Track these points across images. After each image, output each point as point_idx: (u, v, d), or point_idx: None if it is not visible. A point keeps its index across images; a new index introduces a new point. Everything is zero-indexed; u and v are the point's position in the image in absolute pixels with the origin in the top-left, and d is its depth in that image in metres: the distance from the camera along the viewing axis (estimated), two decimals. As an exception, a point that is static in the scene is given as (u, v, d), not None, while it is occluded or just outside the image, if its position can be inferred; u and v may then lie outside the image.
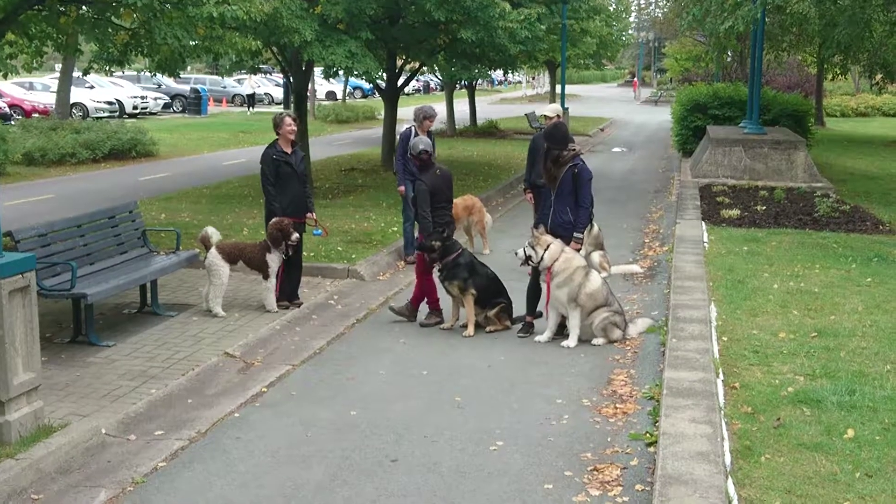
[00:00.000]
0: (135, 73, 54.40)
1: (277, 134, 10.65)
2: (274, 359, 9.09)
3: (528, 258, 9.50)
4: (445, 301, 10.30)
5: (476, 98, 41.83)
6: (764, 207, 16.69)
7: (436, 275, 10.15)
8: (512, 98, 72.98)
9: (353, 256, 12.92)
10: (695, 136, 26.96)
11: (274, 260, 10.45)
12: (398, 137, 13.85)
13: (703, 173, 21.34)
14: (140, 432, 7.18)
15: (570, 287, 9.40)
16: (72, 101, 41.84)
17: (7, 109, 37.88)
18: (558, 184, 9.69)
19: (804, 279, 11.17)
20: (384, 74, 22.95)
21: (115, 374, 8.52)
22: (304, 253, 12.79)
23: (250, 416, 7.59)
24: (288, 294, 10.91)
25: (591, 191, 9.82)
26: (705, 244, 13.22)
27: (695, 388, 7.11)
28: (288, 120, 10.59)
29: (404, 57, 21.00)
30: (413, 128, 13.69)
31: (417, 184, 10.22)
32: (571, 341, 9.43)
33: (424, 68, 23.16)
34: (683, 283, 10.46)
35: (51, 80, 46.23)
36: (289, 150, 10.70)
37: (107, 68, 14.69)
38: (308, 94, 49.81)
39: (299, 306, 10.78)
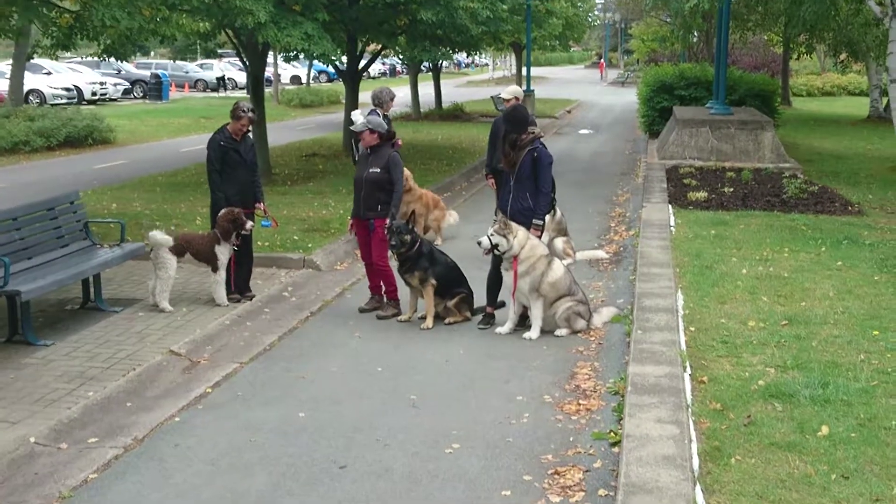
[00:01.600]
0: (94, 58, 53.67)
1: (231, 120, 10.16)
2: (221, 356, 8.65)
3: (494, 246, 9.02)
4: (402, 290, 9.88)
5: (442, 81, 41.37)
6: (731, 189, 16.38)
7: (394, 266, 9.72)
8: (479, 81, 72.56)
9: (310, 246, 12.47)
10: (661, 117, 26.64)
11: (223, 252, 10.00)
12: None
13: (669, 155, 21.02)
14: (72, 440, 6.72)
15: (532, 276, 9.00)
16: (28, 88, 41.19)
17: (-42, 97, 36.86)
18: (517, 168, 9.29)
19: (773, 263, 10.84)
20: (345, 57, 22.46)
21: (51, 376, 8.04)
22: (258, 242, 12.39)
23: (192, 419, 7.14)
24: (239, 287, 10.46)
25: (551, 175, 9.42)
26: (672, 228, 12.88)
27: (661, 384, 6.73)
28: (245, 120, 10.12)
29: (364, 39, 20.47)
30: (373, 110, 13.27)
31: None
32: (534, 333, 9.04)
33: (385, 51, 22.57)
34: (650, 270, 10.10)
35: (6, 66, 45.28)
36: (238, 138, 10.22)
37: (52, 53, 14.14)
38: (273, 78, 49.39)
39: (251, 299, 10.34)
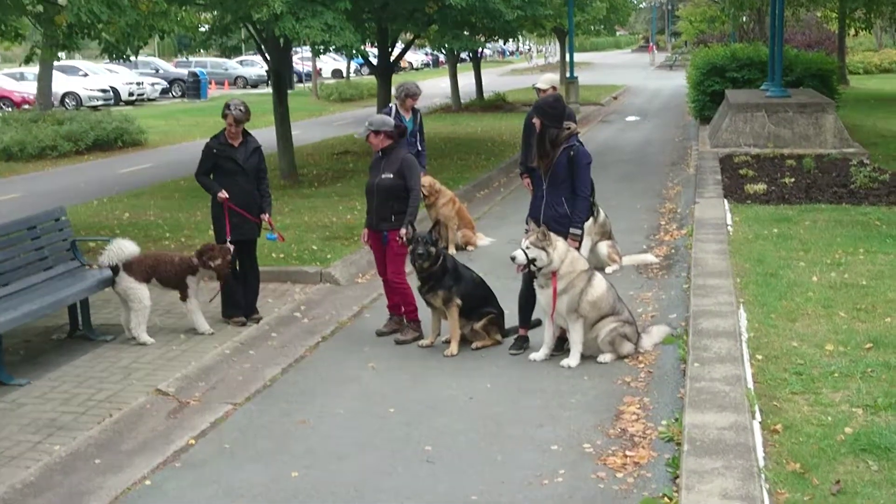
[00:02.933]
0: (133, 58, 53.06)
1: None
2: (214, 395, 7.56)
3: (531, 262, 7.78)
4: (424, 310, 8.72)
5: (485, 70, 40.19)
6: (793, 179, 14.97)
7: (414, 286, 8.56)
8: (522, 69, 70.98)
9: (329, 257, 11.35)
10: (713, 101, 25.10)
11: (194, 283, 8.93)
12: None
13: (723, 142, 19.60)
14: (21, 514, 5.66)
15: (570, 295, 7.79)
16: (64, 91, 40.72)
17: (-8, 101, 36.38)
18: (551, 169, 8.08)
19: (847, 268, 9.50)
20: (376, 48, 21.35)
21: (17, 425, 7.00)
22: (272, 254, 11.34)
23: (165, 483, 6.05)
24: (244, 308, 9.37)
25: (589, 177, 8.19)
26: (729, 227, 11.55)
27: (725, 440, 5.49)
28: (229, 119, 8.97)
29: (392, 28, 19.29)
30: (394, 107, 12.15)
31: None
32: (573, 360, 7.84)
33: (419, 41, 21.32)
34: (706, 282, 8.83)
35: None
36: (236, 143, 9.11)
37: (53, 53, 13.18)
38: (312, 72, 48.46)
39: (258, 322, 9.24)
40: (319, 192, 16.35)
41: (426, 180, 12.21)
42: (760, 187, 14.23)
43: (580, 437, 6.39)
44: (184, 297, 8.88)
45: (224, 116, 8.98)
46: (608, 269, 10.83)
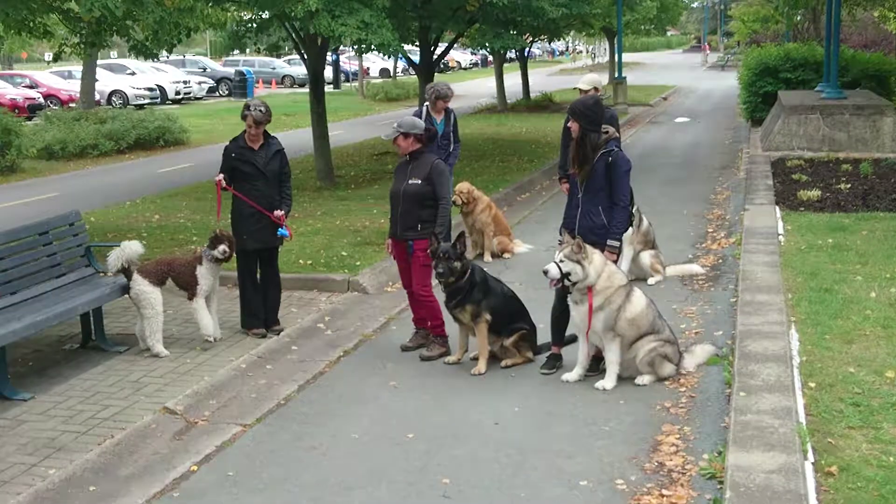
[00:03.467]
0: (180, 57, 53.17)
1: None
2: (225, 414, 7.11)
3: (565, 276, 7.20)
4: (451, 324, 8.19)
5: (534, 70, 39.63)
6: (849, 186, 14.25)
7: (441, 300, 8.04)
8: (572, 69, 70.13)
9: (358, 264, 10.88)
10: (765, 102, 24.29)
11: (205, 275, 8.45)
12: None
13: (775, 145, 18.87)
14: (2, 549, 5.23)
15: (606, 312, 7.23)
16: (112, 89, 40.77)
17: (41, 100, 36.43)
18: (588, 176, 7.52)
19: (909, 284, 8.84)
20: (418, 47, 20.87)
21: (14, 445, 6.60)
22: (300, 261, 10.92)
23: (160, 515, 5.59)
24: (265, 319, 8.92)
25: (629, 185, 7.62)
26: (780, 236, 10.89)
27: (772, 486, 4.90)
28: (249, 120, 8.52)
29: (433, 27, 18.75)
30: (426, 108, 11.65)
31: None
32: (608, 382, 7.28)
33: (459, 41, 20.71)
34: (754, 298, 8.21)
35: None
36: (256, 145, 8.65)
37: (84, 51, 12.88)
38: (359, 71, 48.12)
39: (279, 333, 8.77)
40: (355, 195, 15.91)
41: (464, 186, 11.71)
42: (814, 193, 13.54)
43: (613, 472, 5.83)
44: (191, 296, 8.41)
45: (244, 118, 8.54)
46: (650, 281, 10.25)
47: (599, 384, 7.27)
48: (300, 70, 57.29)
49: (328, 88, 53.25)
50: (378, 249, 11.61)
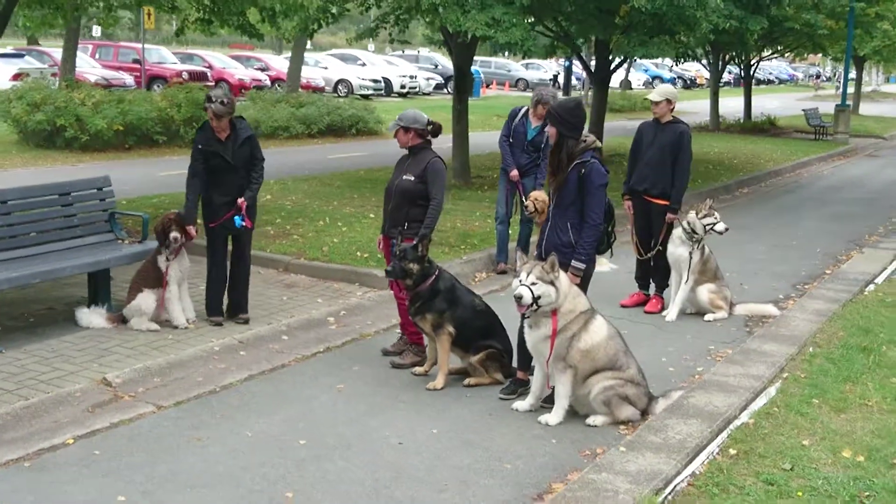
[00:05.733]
0: (415, 52, 54.27)
1: None
2: (155, 394, 6.94)
3: (536, 300, 6.45)
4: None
5: (786, 94, 37.42)
6: None
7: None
8: (825, 95, 66.22)
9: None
10: None
11: (164, 264, 8.20)
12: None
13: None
14: None
15: (559, 339, 6.48)
16: (339, 78, 42.16)
17: (268, 82, 38.11)
18: (560, 188, 6.79)
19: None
20: (594, 56, 20.15)
21: (-59, 393, 6.68)
22: (357, 253, 10.65)
23: (-5, 482, 5.45)
24: (229, 307, 8.55)
25: (603, 201, 6.82)
26: (873, 285, 9.56)
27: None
28: (210, 113, 8.02)
29: (574, 31, 17.88)
30: (526, 109, 11.07)
31: None
32: (553, 417, 6.54)
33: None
34: (760, 346, 7.21)
35: (325, 56, 46.66)
36: (223, 136, 8.18)
37: (205, 28, 13.15)
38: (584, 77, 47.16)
39: (245, 322, 8.45)
40: (478, 196, 15.48)
41: (538, 194, 11.03)
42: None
43: (471, 515, 5.17)
44: (164, 286, 8.24)
45: (204, 109, 8.16)
46: (708, 317, 9.27)
47: (543, 418, 6.55)
48: (536, 74, 57.40)
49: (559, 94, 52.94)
50: (447, 251, 11.19)
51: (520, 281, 6.44)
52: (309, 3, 12.03)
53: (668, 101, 9.48)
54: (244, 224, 8.31)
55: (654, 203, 9.51)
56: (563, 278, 6.52)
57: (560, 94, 11.40)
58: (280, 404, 6.80)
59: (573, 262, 6.69)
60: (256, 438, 6.18)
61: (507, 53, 14.71)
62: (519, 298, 6.43)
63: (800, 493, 4.95)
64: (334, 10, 15.10)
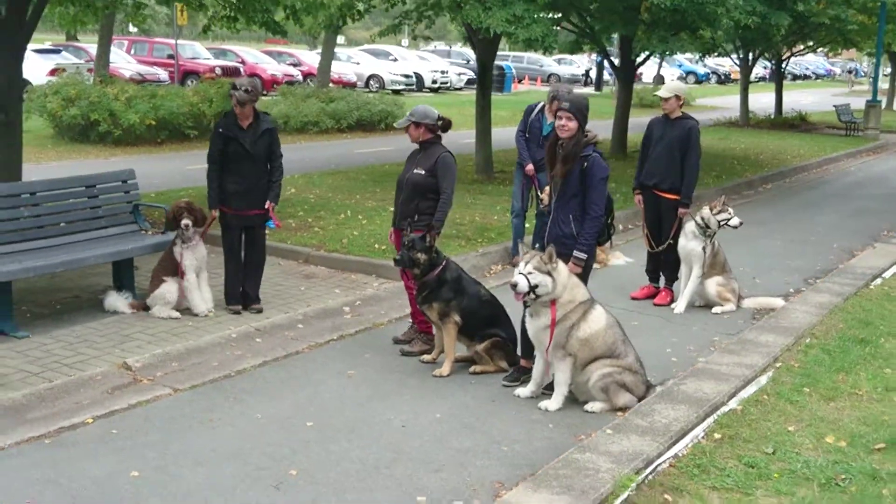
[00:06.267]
0: (447, 48, 54.56)
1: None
2: (176, 377, 7.25)
3: (532, 289, 6.70)
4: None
5: (821, 89, 37.23)
6: None
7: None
8: (861, 91, 65.62)
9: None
10: None
11: (183, 254, 8.48)
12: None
13: None
14: None
15: (559, 328, 6.72)
16: (370, 73, 42.51)
17: (300, 77, 38.50)
18: (562, 181, 7.02)
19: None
20: (619, 52, 20.30)
21: (-34, 375, 7.02)
22: (375, 245, 10.93)
23: (8, 459, 5.76)
24: (244, 296, 8.83)
25: (605, 193, 7.04)
26: (881, 279, 9.69)
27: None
28: (234, 100, 8.34)
29: (597, 28, 18.01)
30: (542, 104, 11.30)
31: None
32: (553, 403, 6.78)
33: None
34: (757, 337, 7.40)
35: (357, 51, 47.03)
36: (244, 124, 8.48)
37: (230, 25, 13.47)
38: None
39: (259, 312, 8.73)
40: (497, 191, 15.68)
41: None
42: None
43: (460, 492, 5.42)
44: (182, 275, 8.54)
45: (229, 97, 8.49)
46: (716, 310, 9.44)
47: (542, 404, 6.79)
48: (568, 69, 57.49)
49: (589, 89, 53.11)
50: (463, 244, 11.45)
51: (518, 270, 6.70)
52: (330, 0, 12.32)
53: (678, 98, 9.67)
54: (275, 226, 8.75)
55: (664, 197, 9.70)
56: (563, 269, 6.75)
57: (575, 90, 11.51)
58: (291, 389, 7.08)
59: (575, 253, 6.93)
60: (266, 420, 6.46)
61: (533, 49, 14.79)
62: (514, 286, 6.68)
63: (776, 475, 5.16)
64: (360, 7, 15.35)
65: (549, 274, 6.65)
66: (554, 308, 6.73)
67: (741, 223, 9.65)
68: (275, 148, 8.68)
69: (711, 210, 9.53)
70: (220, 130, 8.46)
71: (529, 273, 6.65)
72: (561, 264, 6.75)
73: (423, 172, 7.90)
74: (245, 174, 8.50)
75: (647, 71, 61.41)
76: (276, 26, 12.70)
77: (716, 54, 27.13)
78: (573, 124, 7.12)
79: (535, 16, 14.28)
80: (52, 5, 12.03)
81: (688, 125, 9.61)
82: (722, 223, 9.46)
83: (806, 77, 79.82)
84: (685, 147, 9.54)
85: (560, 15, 16.80)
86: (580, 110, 7.14)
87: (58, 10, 13.52)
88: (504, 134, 19.14)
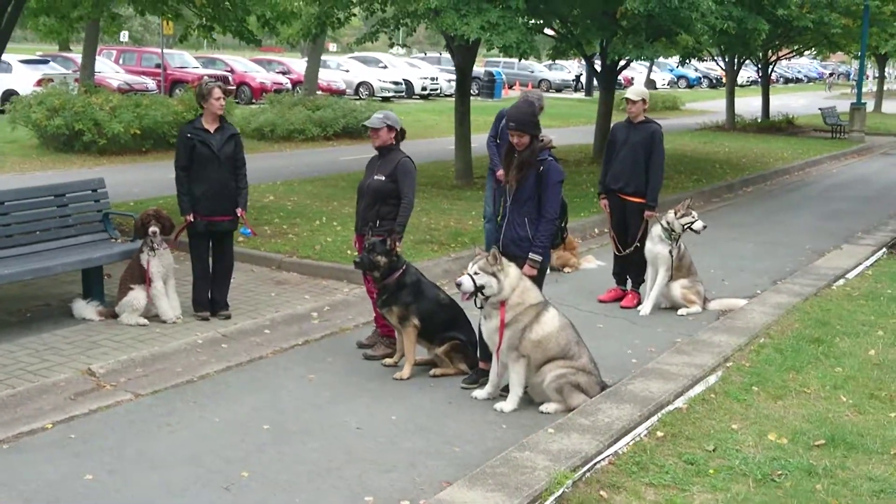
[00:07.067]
0: (437, 55, 54.66)
1: (201, 107, 8.69)
2: (139, 383, 7.35)
3: (479, 289, 6.85)
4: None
5: (811, 92, 37.36)
6: None
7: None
8: (851, 94, 65.80)
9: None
10: None
11: (146, 260, 8.56)
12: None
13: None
14: None
15: (512, 330, 6.83)
16: (360, 80, 42.65)
17: (289, 85, 38.61)
18: (517, 184, 7.13)
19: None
20: (599, 58, 20.39)
21: (-68, 383, 7.12)
22: (347, 252, 11.00)
23: (-31, 463, 5.87)
24: (212, 303, 8.90)
25: (559, 197, 7.16)
26: (844, 279, 9.80)
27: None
28: (217, 92, 8.58)
29: (574, 33, 18.10)
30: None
31: None
32: (508, 404, 6.88)
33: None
34: (711, 338, 7.50)
35: (347, 59, 47.18)
36: (212, 128, 8.66)
37: (206, 34, 13.59)
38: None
39: (227, 318, 8.81)
40: (475, 196, 15.72)
41: None
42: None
43: (409, 492, 5.52)
44: (149, 283, 8.62)
45: (204, 98, 8.58)
46: (681, 312, 9.55)
47: (498, 406, 6.89)
48: (558, 75, 57.72)
49: (580, 95, 53.30)
50: (436, 249, 11.56)
51: (465, 270, 6.84)
52: (300, 10, 12.43)
53: (644, 101, 9.79)
54: (250, 234, 8.93)
55: (630, 201, 9.81)
56: (512, 271, 6.87)
57: (544, 97, 11.63)
58: (250, 393, 7.18)
59: (530, 255, 7.05)
60: (223, 424, 6.56)
61: (509, 55, 14.90)
62: (459, 285, 6.86)
63: (713, 472, 5.26)
64: (340, 16, 15.48)
65: (494, 275, 6.77)
66: (503, 310, 6.84)
67: (705, 227, 9.77)
68: (239, 153, 8.79)
69: (675, 214, 9.65)
70: (188, 135, 8.56)
71: (475, 273, 6.80)
72: (510, 266, 6.88)
73: (383, 178, 8.01)
74: (212, 178, 8.57)
75: (639, 77, 61.70)
76: (249, 35, 12.81)
77: (697, 59, 27.22)
78: (525, 139, 7.23)
79: (511, 22, 14.38)
80: (27, 17, 12.14)
81: (651, 129, 9.73)
82: (685, 227, 9.58)
83: (798, 80, 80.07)
84: (649, 151, 9.66)
85: (542, 21, 16.89)
86: (525, 123, 7.25)
87: (30, 22, 13.63)
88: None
